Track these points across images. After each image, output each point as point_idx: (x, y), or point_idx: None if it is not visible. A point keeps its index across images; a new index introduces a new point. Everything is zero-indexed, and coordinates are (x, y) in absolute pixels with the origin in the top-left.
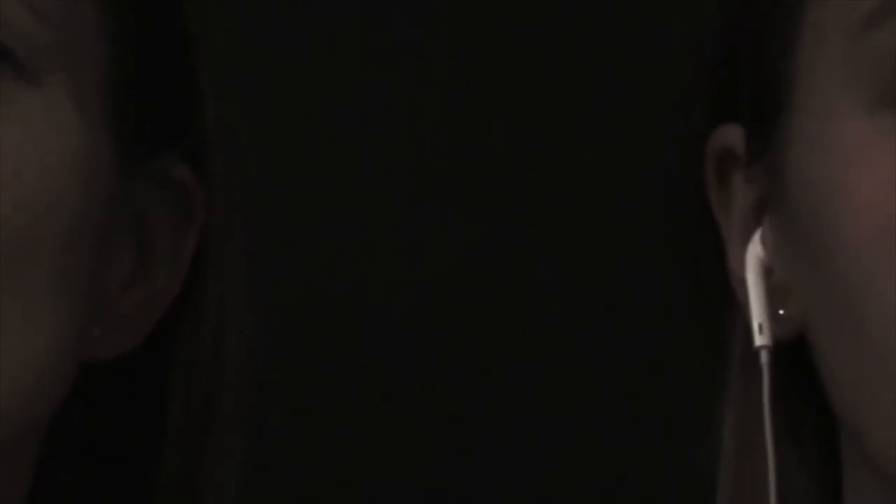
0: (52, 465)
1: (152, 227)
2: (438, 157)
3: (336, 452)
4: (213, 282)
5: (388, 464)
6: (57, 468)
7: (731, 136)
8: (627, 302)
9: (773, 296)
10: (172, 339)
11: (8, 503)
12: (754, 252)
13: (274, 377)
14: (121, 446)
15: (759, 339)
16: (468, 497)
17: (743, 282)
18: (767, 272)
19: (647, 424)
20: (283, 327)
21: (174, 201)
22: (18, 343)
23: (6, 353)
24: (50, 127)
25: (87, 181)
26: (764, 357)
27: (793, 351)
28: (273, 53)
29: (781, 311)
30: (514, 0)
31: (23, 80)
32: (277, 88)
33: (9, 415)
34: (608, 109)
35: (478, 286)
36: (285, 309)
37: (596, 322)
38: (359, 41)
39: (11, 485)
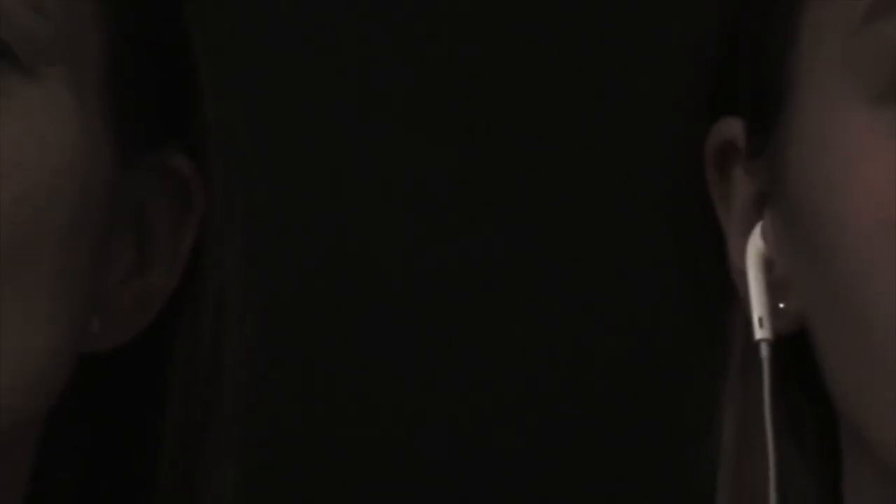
0: (50, 464)
1: (152, 219)
2: (438, 158)
3: (336, 452)
4: (212, 275)
5: (388, 464)
6: (55, 466)
7: (732, 128)
8: (627, 302)
9: (774, 289)
10: (171, 334)
11: (6, 502)
12: (755, 245)
13: (274, 377)
14: (119, 445)
15: (760, 333)
16: (468, 497)
17: (743, 274)
18: (768, 265)
19: (647, 424)
20: (284, 327)
21: (173, 192)
22: (18, 339)
23: (5, 349)
24: (49, 120)
25: (87, 174)
26: (764, 350)
27: (793, 345)
28: (273, 53)
29: (782, 305)
30: (514, 0)
31: (22, 74)
32: (277, 88)
33: (8, 410)
34: (608, 109)
35: (478, 286)
36: (285, 309)
37: (596, 322)
38: (359, 39)
39: (10, 483)
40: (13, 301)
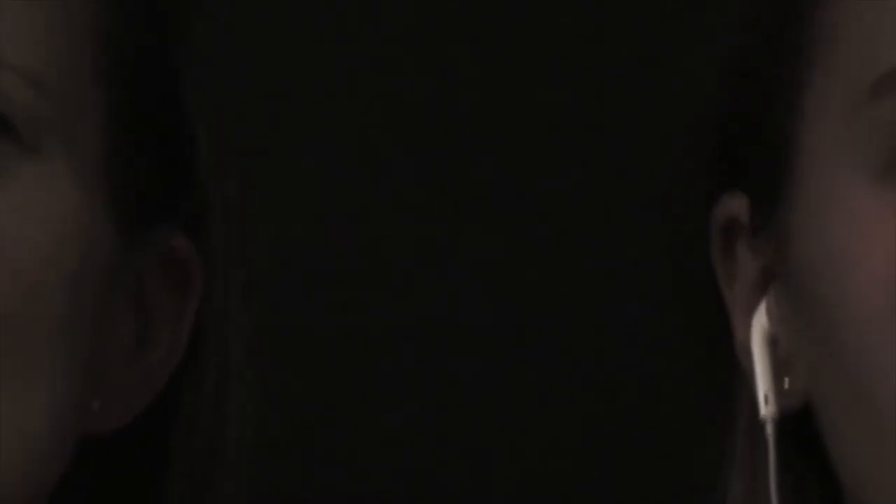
0: None
1: (152, 299)
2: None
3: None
4: (214, 353)
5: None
6: None
7: (736, 206)
8: (634, 377)
9: (779, 366)
10: (173, 410)
11: None
12: (760, 323)
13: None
14: None
15: (765, 410)
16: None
17: (749, 352)
18: (773, 342)
19: (654, 499)
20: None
21: (173, 272)
22: (18, 419)
23: (5, 429)
24: (49, 199)
25: (86, 254)
26: (769, 427)
27: (800, 419)
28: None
29: (787, 381)
30: (517, 55)
31: (22, 152)
32: (279, 104)
33: (8, 492)
34: (613, 177)
35: (478, 369)
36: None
37: (601, 395)
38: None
39: None
40: (12, 381)
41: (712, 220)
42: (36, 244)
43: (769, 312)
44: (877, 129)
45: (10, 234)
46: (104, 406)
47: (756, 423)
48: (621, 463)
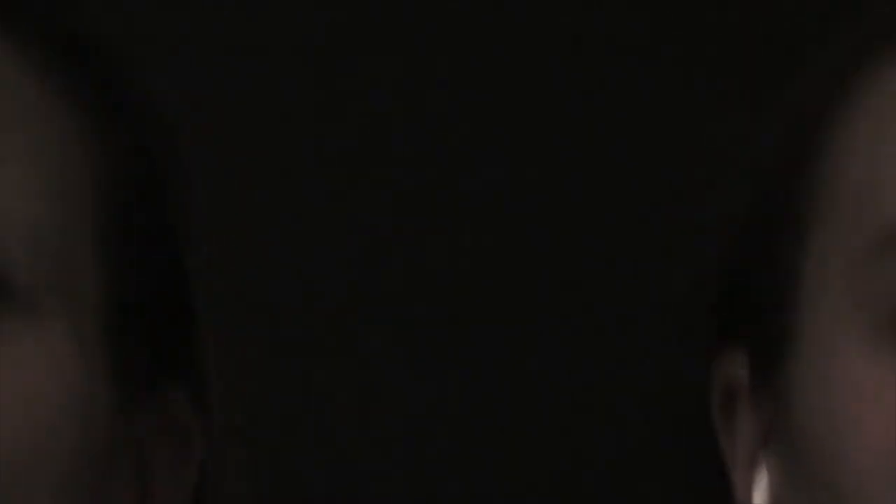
0: None
1: (152, 459)
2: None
3: None
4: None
5: None
6: None
7: (736, 365)
8: (634, 372)
9: None
10: None
11: None
12: (761, 483)
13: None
14: None
15: None
16: None
17: None
18: (774, 499)
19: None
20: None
21: (173, 432)
22: None
23: None
24: (47, 364)
25: (85, 418)
26: None
27: None
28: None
29: None
30: (517, 55)
31: (20, 316)
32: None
33: None
34: (613, 178)
35: None
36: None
37: (602, 390)
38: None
39: None
40: None
41: (713, 382)
42: (35, 409)
43: (769, 470)
44: (875, 291)
45: (9, 399)
46: None
47: None
48: (621, 463)
